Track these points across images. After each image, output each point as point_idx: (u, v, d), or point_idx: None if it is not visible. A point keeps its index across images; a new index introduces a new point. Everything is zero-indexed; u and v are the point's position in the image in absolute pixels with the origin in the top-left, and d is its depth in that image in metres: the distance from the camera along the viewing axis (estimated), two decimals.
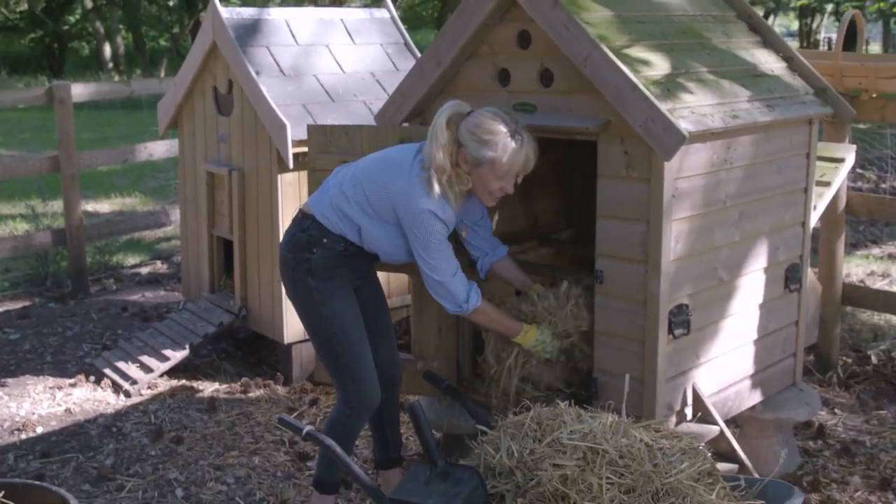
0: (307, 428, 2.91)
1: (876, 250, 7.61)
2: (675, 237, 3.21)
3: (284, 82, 4.92)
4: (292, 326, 4.92)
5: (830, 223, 4.88)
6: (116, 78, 23.54)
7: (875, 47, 30.33)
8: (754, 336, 3.71)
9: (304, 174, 4.83)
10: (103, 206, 9.49)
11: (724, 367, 3.59)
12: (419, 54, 5.46)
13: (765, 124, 3.45)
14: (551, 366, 3.46)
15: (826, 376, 4.95)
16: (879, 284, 6.52)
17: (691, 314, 3.32)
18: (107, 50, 26.86)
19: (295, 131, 4.66)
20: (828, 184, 4.25)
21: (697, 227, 3.31)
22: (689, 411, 3.43)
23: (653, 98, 3.04)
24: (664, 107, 3.05)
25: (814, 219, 3.99)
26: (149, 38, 30.17)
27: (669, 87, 3.22)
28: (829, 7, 25.50)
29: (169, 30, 29.73)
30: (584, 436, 2.57)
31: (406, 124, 3.85)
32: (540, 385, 3.47)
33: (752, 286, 3.64)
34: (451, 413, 3.71)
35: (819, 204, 4.16)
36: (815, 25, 31.33)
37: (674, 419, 3.35)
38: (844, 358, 5.18)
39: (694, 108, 3.20)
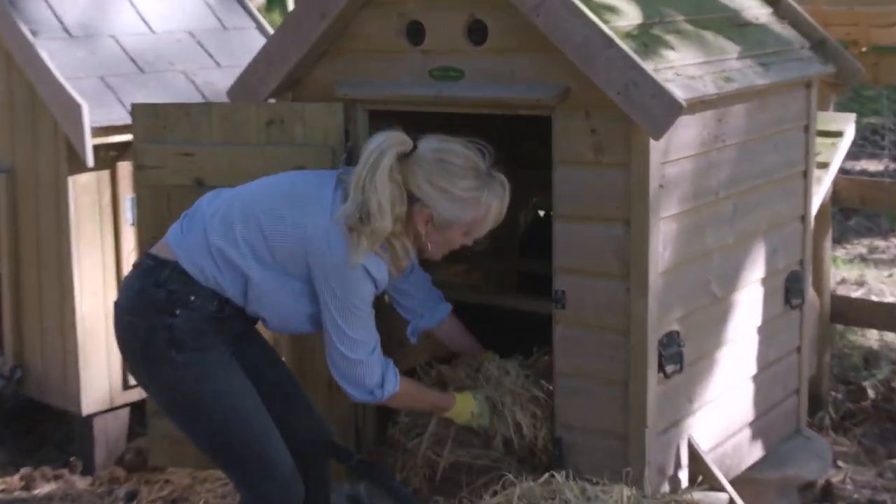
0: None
1: (840, 251, 8.03)
2: (663, 241, 3.29)
3: (72, 46, 4.78)
4: (93, 390, 4.77)
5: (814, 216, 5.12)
6: None
7: None
8: (753, 370, 3.85)
9: (106, 175, 4.73)
10: None
11: (721, 414, 3.70)
12: (255, 11, 5.42)
13: (761, 89, 3.59)
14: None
15: (816, 418, 5.18)
16: (855, 296, 6.88)
17: (683, 344, 3.41)
18: None
19: (94, 114, 4.54)
20: (825, 165, 4.47)
21: (687, 226, 3.41)
22: (683, 475, 3.51)
23: (635, 56, 3.11)
24: (648, 66, 3.13)
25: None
26: None
27: (646, 40, 3.31)
28: None
29: None
30: None
31: (273, 100, 3.81)
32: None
33: (748, 303, 3.78)
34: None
35: (817, 192, 4.36)
36: None
37: (666, 486, 3.43)
38: (834, 393, 5.44)
39: (679, 69, 3.29)
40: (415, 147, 3.17)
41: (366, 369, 3.21)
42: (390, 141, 3.12)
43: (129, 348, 3.23)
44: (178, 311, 3.14)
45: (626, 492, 2.76)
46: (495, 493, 2.84)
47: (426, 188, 3.15)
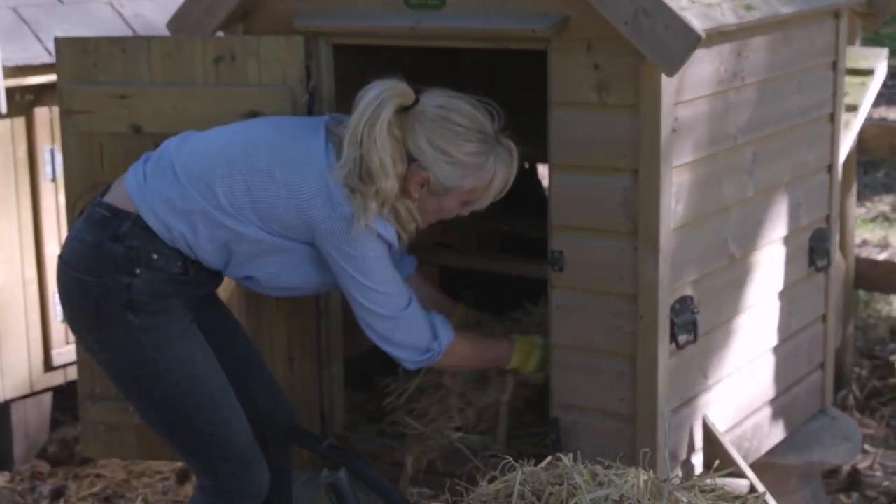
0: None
1: (861, 210, 8.10)
2: (675, 194, 3.30)
3: None
4: (11, 374, 4.75)
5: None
6: None
7: None
8: (774, 341, 3.89)
9: (21, 123, 4.71)
10: None
11: (739, 391, 3.75)
12: None
13: (785, 18, 3.61)
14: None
15: (838, 396, 5.24)
16: (879, 259, 6.95)
17: (698, 311, 3.43)
18: None
19: (6, 51, 4.52)
20: (854, 108, 4.50)
21: (702, 177, 3.43)
22: (697, 460, 3.54)
23: None
24: None
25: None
26: None
27: None
28: None
29: None
30: None
31: (221, 34, 3.78)
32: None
33: (769, 265, 3.82)
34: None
35: (845, 138, 4.40)
36: None
37: (679, 472, 3.46)
38: (858, 368, 5.50)
39: None
40: (417, 101, 3.16)
41: (410, 325, 3.24)
42: (391, 91, 3.10)
43: (77, 309, 3.21)
44: (137, 271, 3.12)
45: (643, 476, 2.78)
46: (493, 480, 2.84)
47: (426, 148, 3.15)
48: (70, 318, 3.29)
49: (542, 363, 3.55)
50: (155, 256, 3.14)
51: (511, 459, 2.89)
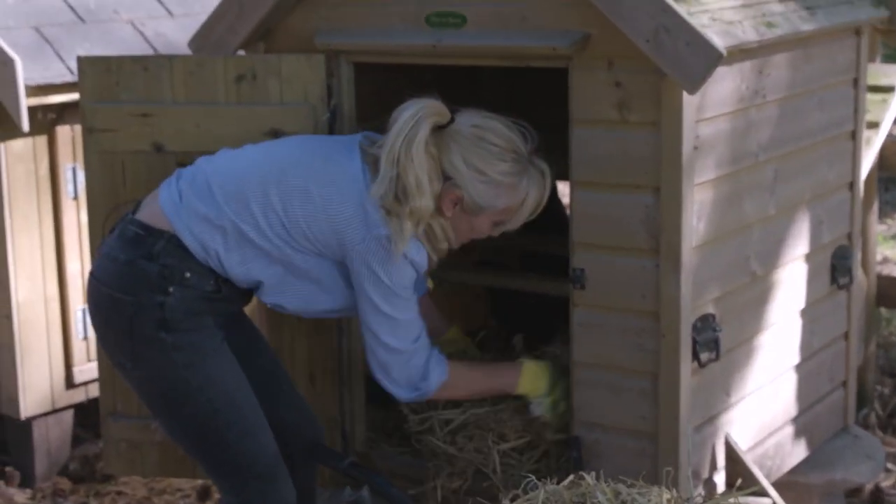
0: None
1: (882, 227, 8.08)
2: (697, 211, 3.30)
3: None
4: (33, 391, 4.76)
5: None
6: None
7: None
8: (796, 359, 3.89)
9: (43, 142, 4.71)
10: None
11: (761, 409, 3.74)
12: None
13: (806, 35, 3.60)
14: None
15: (860, 415, 5.22)
16: None
17: (720, 329, 3.42)
18: None
19: (29, 70, 4.51)
20: (875, 125, 4.49)
21: (723, 195, 3.43)
22: (719, 478, 3.53)
23: None
24: (681, 10, 3.13)
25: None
26: None
27: None
28: None
29: None
30: None
31: (243, 52, 3.79)
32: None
33: (791, 283, 3.81)
34: None
35: (866, 155, 4.38)
36: None
37: (701, 490, 3.45)
38: (880, 386, 5.48)
39: (715, 13, 3.30)
40: (452, 120, 3.19)
41: (410, 360, 3.27)
42: (427, 110, 3.13)
43: (110, 326, 3.23)
44: (171, 289, 3.14)
45: (666, 495, 2.77)
46: (515, 498, 2.84)
47: (461, 166, 3.17)
48: (101, 335, 3.30)
49: (554, 390, 3.55)
50: (188, 275, 3.16)
51: (533, 478, 2.89)
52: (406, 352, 3.25)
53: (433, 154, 3.14)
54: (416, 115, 3.11)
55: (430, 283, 3.59)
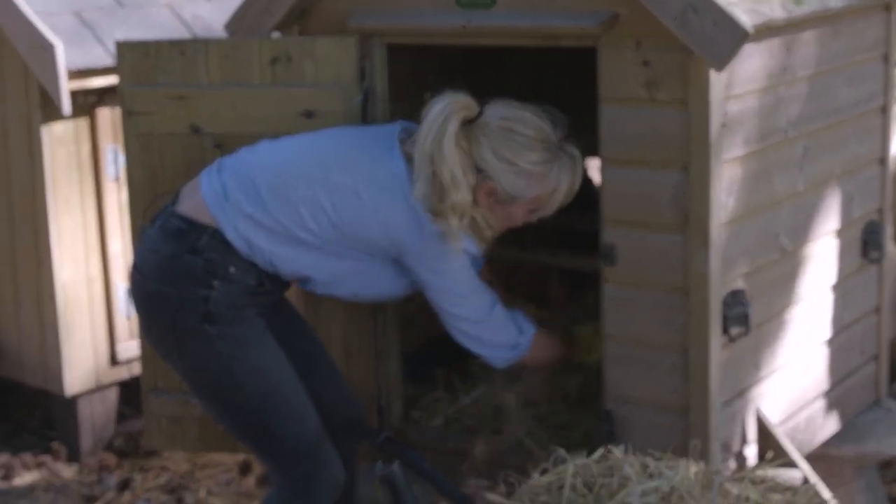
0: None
1: None
2: (726, 188, 3.32)
3: None
4: (77, 369, 4.82)
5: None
6: None
7: None
8: (827, 333, 3.91)
9: (85, 124, 4.76)
10: None
11: (792, 383, 3.76)
12: None
13: (835, 12, 3.61)
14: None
15: (893, 388, 5.20)
16: None
17: (750, 304, 3.45)
18: None
19: (70, 54, 4.56)
20: None
21: (752, 171, 3.45)
22: (751, 451, 3.56)
23: None
24: None
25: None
26: None
27: None
28: None
29: None
30: (665, 497, 2.64)
31: (277, 34, 3.83)
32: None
33: (821, 258, 3.83)
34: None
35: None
36: None
37: (732, 463, 3.48)
38: None
39: None
40: (480, 112, 3.23)
41: (497, 324, 3.36)
42: (455, 105, 3.18)
43: (154, 319, 3.28)
44: (215, 283, 3.18)
45: (694, 468, 2.80)
46: (545, 472, 2.88)
47: (490, 159, 3.23)
48: (146, 327, 3.36)
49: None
50: (232, 269, 3.20)
51: (563, 452, 2.93)
52: (489, 317, 3.34)
53: (464, 148, 3.19)
54: (444, 111, 3.16)
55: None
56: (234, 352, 3.21)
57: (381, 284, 3.36)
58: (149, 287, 3.24)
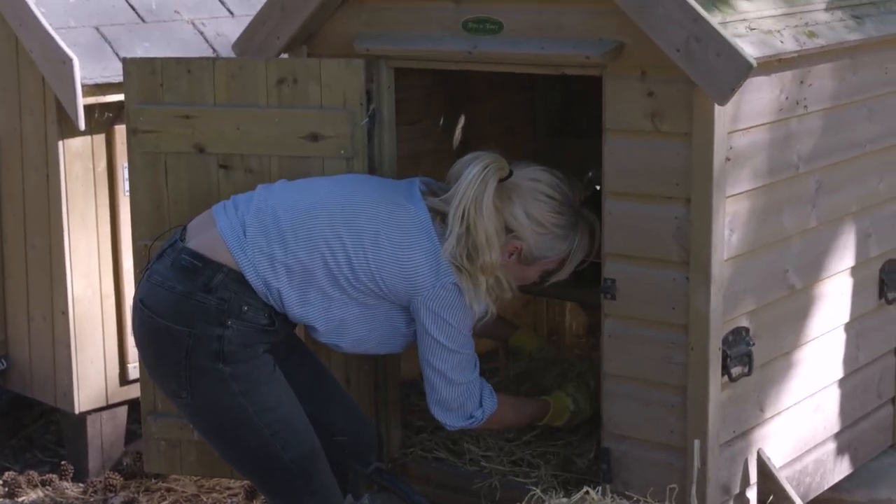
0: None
1: None
2: (729, 223, 3.27)
3: None
4: (88, 387, 4.82)
5: None
6: None
7: None
8: (839, 374, 3.84)
9: (101, 140, 4.74)
10: None
11: (799, 425, 3.69)
12: None
13: (853, 45, 3.55)
14: None
15: None
16: None
17: (753, 342, 3.38)
18: None
19: (87, 69, 4.56)
20: None
21: (760, 206, 3.39)
22: (752, 495, 3.49)
23: (698, 6, 3.08)
24: (714, 19, 3.10)
25: None
26: None
27: None
28: None
29: None
30: None
31: (285, 56, 3.82)
32: None
33: (834, 297, 3.76)
34: None
35: None
36: None
37: None
38: None
39: (752, 21, 3.27)
40: (510, 172, 3.28)
41: (468, 392, 3.36)
42: (493, 167, 3.22)
43: (164, 356, 3.26)
44: (229, 322, 3.18)
45: None
46: None
47: (522, 218, 3.29)
48: (152, 364, 3.34)
49: (577, 410, 3.77)
50: (245, 308, 3.20)
51: (538, 492, 2.88)
52: (466, 383, 3.34)
53: (498, 207, 3.24)
54: (482, 173, 3.20)
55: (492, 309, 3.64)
56: (245, 389, 3.22)
57: (382, 336, 3.35)
58: (158, 324, 3.22)
